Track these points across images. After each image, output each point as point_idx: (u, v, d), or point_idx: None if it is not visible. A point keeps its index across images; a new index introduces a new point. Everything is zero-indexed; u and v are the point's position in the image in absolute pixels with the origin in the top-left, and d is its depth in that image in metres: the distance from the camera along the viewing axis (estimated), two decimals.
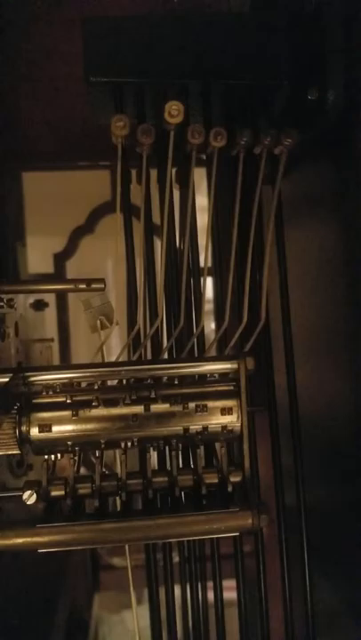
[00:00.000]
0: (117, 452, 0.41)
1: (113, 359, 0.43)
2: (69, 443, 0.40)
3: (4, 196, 0.81)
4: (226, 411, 0.40)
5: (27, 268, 0.89)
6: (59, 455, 0.40)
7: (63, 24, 0.67)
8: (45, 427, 0.40)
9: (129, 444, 0.40)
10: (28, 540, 0.36)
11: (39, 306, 0.65)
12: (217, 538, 0.46)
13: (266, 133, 0.42)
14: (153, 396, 0.41)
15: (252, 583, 0.46)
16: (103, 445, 0.40)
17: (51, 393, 0.41)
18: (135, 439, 0.40)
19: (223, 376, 0.42)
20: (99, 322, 0.45)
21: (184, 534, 0.39)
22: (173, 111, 0.41)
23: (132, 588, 0.46)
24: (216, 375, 0.43)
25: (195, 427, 0.40)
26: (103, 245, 0.96)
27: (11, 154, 0.78)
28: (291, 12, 0.44)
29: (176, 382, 0.42)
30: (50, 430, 0.40)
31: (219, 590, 0.46)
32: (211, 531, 0.38)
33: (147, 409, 0.40)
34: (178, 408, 0.40)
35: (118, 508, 0.39)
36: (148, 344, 0.45)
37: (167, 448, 0.41)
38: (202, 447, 0.41)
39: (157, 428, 0.40)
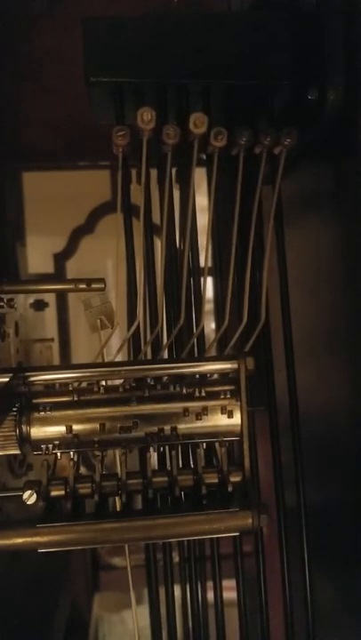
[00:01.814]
0: (117, 451, 0.41)
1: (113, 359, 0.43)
2: (69, 442, 0.40)
3: (4, 195, 0.81)
4: (226, 410, 0.40)
5: (27, 268, 0.89)
6: (59, 455, 0.40)
7: (63, 24, 0.67)
8: (45, 426, 0.40)
9: (129, 444, 0.40)
10: (28, 539, 0.36)
11: (39, 306, 0.65)
12: (217, 538, 0.46)
13: (266, 133, 0.42)
14: (153, 394, 0.41)
15: (252, 583, 0.46)
16: (102, 445, 0.40)
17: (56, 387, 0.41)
18: (134, 439, 0.40)
19: (223, 376, 0.42)
20: (99, 322, 0.45)
21: (184, 534, 0.39)
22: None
23: (131, 588, 0.46)
24: (216, 375, 0.43)
25: (194, 426, 0.40)
26: (103, 245, 0.96)
27: (11, 154, 0.78)
28: (291, 11, 0.44)
29: (176, 382, 0.42)
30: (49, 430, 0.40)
31: (218, 590, 0.46)
32: (211, 530, 0.38)
33: (147, 408, 0.40)
34: (178, 407, 0.40)
35: (118, 508, 0.39)
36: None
37: (167, 448, 0.42)
38: (202, 447, 0.41)
39: (157, 427, 0.40)
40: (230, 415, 0.40)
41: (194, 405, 0.40)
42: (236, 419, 0.40)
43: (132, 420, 0.40)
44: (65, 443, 0.40)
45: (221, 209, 0.45)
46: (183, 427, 0.40)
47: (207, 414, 0.40)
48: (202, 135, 0.42)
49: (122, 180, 0.44)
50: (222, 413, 0.40)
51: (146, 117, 0.40)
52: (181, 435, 0.40)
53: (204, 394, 0.41)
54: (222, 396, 0.41)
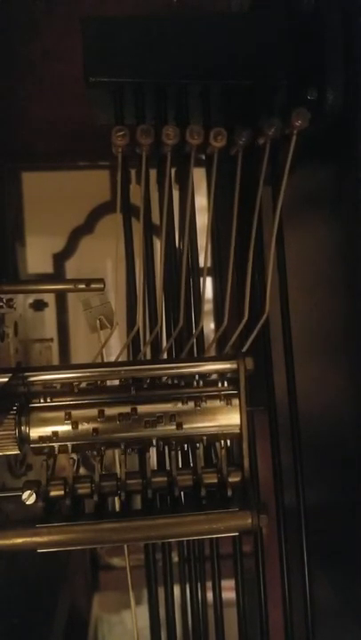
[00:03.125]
0: (117, 451, 0.41)
1: (113, 359, 0.43)
2: (69, 443, 0.40)
3: (4, 195, 0.81)
4: (225, 410, 0.40)
5: (26, 268, 0.89)
6: (57, 453, 0.40)
7: (63, 24, 0.67)
8: (45, 426, 0.40)
9: (128, 445, 0.40)
10: (28, 540, 0.36)
11: (39, 306, 0.66)
12: (216, 538, 0.46)
13: (270, 124, 0.41)
14: (152, 395, 0.41)
15: (251, 583, 0.46)
16: (102, 446, 0.40)
17: (54, 388, 0.41)
18: (134, 439, 0.40)
19: (223, 376, 0.42)
20: (98, 322, 0.45)
21: (183, 534, 0.39)
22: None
23: (131, 588, 0.46)
24: (215, 375, 0.43)
25: (193, 426, 0.40)
26: (103, 245, 0.96)
27: (11, 154, 0.78)
28: (290, 11, 0.44)
29: (176, 382, 0.42)
30: (49, 430, 0.40)
31: (218, 590, 0.46)
32: (210, 530, 0.38)
33: (146, 408, 0.40)
34: (177, 407, 0.40)
35: (117, 508, 0.39)
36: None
37: (166, 448, 0.42)
38: (201, 447, 0.41)
39: (157, 427, 0.40)
40: (230, 415, 0.40)
41: (192, 405, 0.40)
42: (236, 419, 0.40)
43: (132, 437, 0.40)
44: (65, 441, 0.40)
45: (221, 209, 0.45)
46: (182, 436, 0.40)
47: (206, 414, 0.40)
48: (199, 145, 0.42)
49: (121, 181, 0.44)
50: (222, 413, 0.40)
51: (145, 134, 0.41)
52: (180, 434, 0.40)
53: (203, 394, 0.41)
54: (222, 396, 0.41)
